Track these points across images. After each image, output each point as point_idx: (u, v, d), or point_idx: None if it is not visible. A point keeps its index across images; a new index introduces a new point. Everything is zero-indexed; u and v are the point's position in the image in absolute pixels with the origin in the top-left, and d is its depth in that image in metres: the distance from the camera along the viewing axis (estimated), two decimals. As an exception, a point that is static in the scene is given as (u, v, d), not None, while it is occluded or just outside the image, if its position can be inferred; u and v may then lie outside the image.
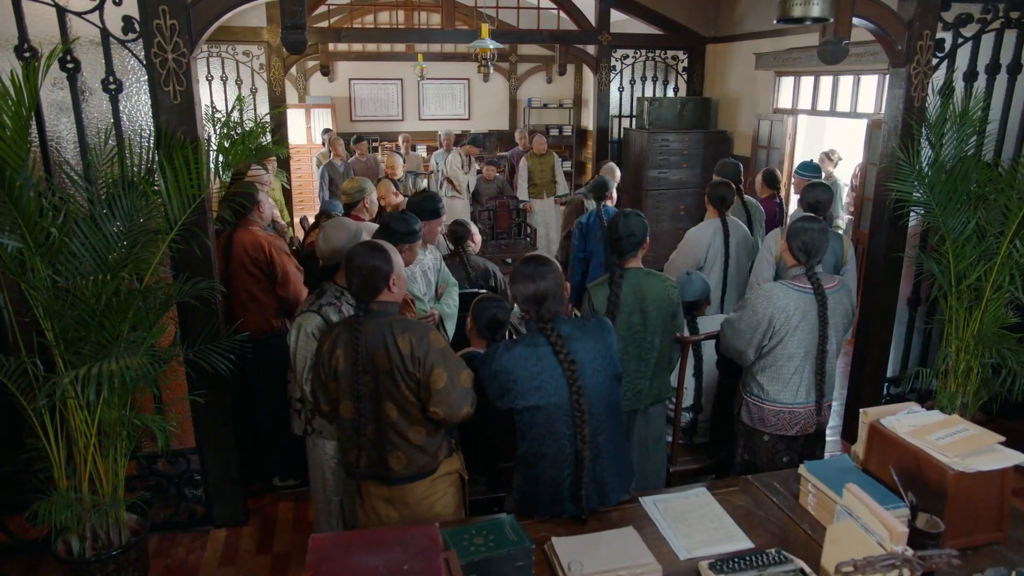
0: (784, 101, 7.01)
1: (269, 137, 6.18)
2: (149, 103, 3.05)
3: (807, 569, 1.86)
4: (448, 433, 2.40)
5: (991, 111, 4.03)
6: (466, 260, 4.01)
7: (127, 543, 2.97)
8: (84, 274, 2.70)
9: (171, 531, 3.52)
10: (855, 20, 3.55)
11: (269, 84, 7.49)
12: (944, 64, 3.94)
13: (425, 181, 8.97)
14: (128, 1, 2.93)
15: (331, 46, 10.50)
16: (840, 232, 5.00)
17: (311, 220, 5.62)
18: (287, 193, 7.41)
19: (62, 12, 2.93)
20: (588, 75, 11.41)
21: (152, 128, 3.03)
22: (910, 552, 1.66)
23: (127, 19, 2.94)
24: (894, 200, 3.91)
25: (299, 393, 2.75)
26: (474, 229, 4.14)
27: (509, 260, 7.01)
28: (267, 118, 6.75)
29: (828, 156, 6.39)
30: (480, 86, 12.74)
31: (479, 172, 7.97)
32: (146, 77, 3.02)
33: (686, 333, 3.20)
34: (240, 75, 7.56)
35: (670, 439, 3.19)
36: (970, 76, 4.06)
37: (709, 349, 3.26)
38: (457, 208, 7.90)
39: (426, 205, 3.46)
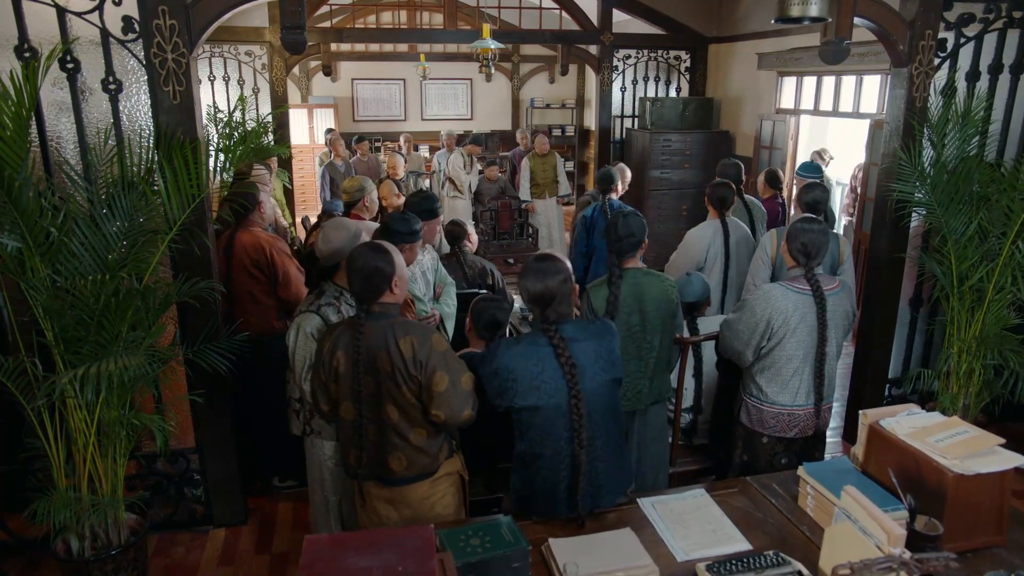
0: (786, 101, 6.99)
1: (271, 137, 6.19)
2: (149, 103, 3.05)
3: (805, 571, 1.85)
4: (449, 434, 2.40)
5: (993, 111, 4.02)
6: (463, 260, 4.01)
7: (126, 542, 2.98)
8: (83, 274, 2.70)
9: (170, 530, 3.52)
10: (856, 20, 3.54)
11: (271, 84, 7.49)
12: (946, 64, 3.93)
13: (427, 181, 8.97)
14: (128, 1, 2.93)
15: (333, 46, 10.51)
16: (837, 232, 4.98)
17: (313, 220, 5.62)
18: (289, 193, 7.42)
19: (62, 12, 2.93)
20: (590, 75, 11.41)
21: (152, 128, 3.04)
22: (908, 555, 1.65)
23: (127, 19, 2.95)
24: (896, 200, 3.90)
25: (298, 393, 2.75)
26: (471, 229, 4.14)
27: (511, 260, 7.02)
28: (269, 118, 6.76)
29: (820, 155, 6.38)
30: (482, 86, 12.76)
31: (481, 172, 7.96)
32: (146, 77, 3.03)
33: (686, 334, 3.19)
34: (242, 75, 7.57)
35: (670, 439, 3.18)
36: (972, 76, 4.04)
37: (709, 350, 3.25)
38: (459, 208, 7.91)
39: (424, 205, 3.46)
